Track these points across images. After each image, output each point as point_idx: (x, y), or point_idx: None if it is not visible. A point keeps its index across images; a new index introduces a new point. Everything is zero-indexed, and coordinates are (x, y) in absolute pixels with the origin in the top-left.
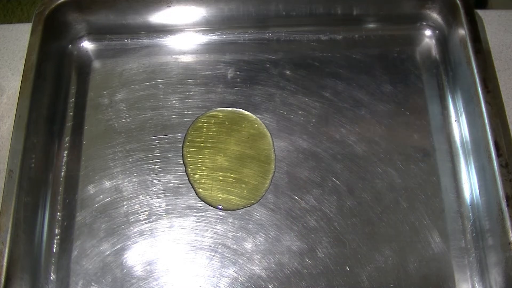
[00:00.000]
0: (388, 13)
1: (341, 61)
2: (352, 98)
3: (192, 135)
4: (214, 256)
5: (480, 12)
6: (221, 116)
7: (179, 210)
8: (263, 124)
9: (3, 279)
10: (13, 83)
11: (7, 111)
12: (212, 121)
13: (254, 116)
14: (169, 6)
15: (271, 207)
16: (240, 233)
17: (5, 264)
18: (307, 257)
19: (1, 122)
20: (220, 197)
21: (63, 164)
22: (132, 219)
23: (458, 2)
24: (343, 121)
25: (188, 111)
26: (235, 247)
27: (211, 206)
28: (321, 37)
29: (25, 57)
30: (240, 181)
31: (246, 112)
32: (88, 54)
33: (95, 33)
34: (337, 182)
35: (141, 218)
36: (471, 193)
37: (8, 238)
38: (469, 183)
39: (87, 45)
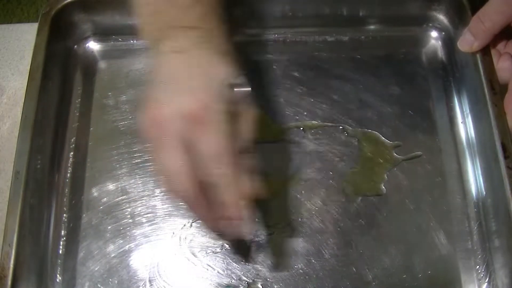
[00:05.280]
0: (394, 14)
1: (348, 62)
2: (358, 99)
3: None
4: (217, 256)
5: None
6: None
7: (183, 212)
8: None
9: (10, 281)
10: (13, 83)
11: (7, 111)
12: None
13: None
14: None
15: None
16: None
17: (11, 265)
18: (313, 259)
19: (1, 122)
20: None
21: (69, 165)
22: (138, 221)
23: (465, 3)
24: (349, 122)
25: None
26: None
27: None
28: (327, 38)
29: (26, 57)
30: None
31: None
32: (94, 55)
33: (101, 34)
34: (344, 183)
35: (147, 220)
36: (478, 194)
37: (15, 240)
38: (476, 185)
39: (93, 45)
